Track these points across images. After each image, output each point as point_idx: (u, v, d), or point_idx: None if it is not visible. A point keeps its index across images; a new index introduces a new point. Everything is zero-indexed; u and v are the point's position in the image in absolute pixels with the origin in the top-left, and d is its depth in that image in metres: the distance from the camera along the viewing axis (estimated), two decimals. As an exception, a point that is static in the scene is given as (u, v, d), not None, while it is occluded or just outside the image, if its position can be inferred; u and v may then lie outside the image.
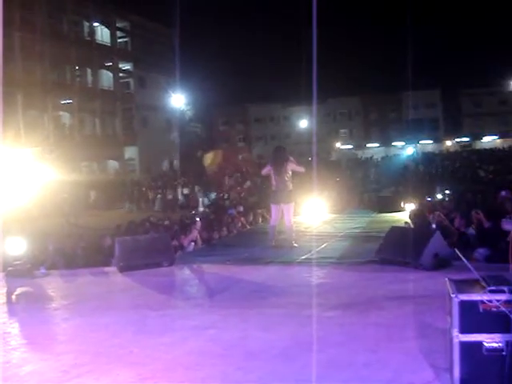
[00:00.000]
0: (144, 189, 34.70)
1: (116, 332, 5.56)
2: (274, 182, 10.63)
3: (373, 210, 19.04)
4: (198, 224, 12.88)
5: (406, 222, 13.73)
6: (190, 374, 4.38)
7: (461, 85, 67.17)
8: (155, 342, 5.18)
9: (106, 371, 4.49)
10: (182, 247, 11.66)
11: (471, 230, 10.09)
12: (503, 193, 15.04)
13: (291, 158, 10.73)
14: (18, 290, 8.02)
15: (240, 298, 6.86)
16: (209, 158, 48.24)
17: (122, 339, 5.32)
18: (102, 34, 46.88)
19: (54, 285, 8.38)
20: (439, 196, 18.70)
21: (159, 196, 32.97)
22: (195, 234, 12.38)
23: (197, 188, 33.85)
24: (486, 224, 10.31)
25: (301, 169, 10.85)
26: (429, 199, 17.59)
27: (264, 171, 11.05)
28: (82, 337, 5.52)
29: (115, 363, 4.65)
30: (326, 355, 4.57)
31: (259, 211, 17.68)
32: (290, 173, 10.59)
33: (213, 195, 31.25)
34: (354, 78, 71.85)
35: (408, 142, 63.64)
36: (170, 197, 32.27)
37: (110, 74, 47.49)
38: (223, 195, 30.65)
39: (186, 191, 33.27)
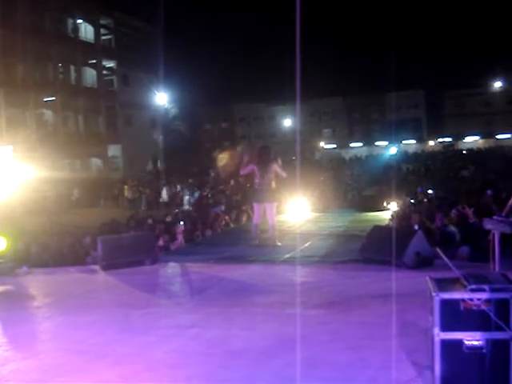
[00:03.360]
0: (127, 187, 34.53)
1: (99, 331, 5.54)
2: (257, 181, 10.63)
3: (356, 209, 19.13)
4: (181, 228, 12.86)
5: (390, 220, 13.81)
6: (173, 372, 4.38)
7: (444, 86, 67.73)
8: (138, 340, 5.18)
9: (89, 370, 4.48)
10: (165, 248, 11.63)
11: (451, 228, 10.18)
12: (489, 192, 15.21)
13: (279, 161, 10.73)
14: (0, 289, 7.96)
15: (223, 296, 6.86)
16: (224, 159, 48.10)
17: (105, 338, 5.30)
18: (86, 31, 46.53)
19: (36, 283, 8.34)
20: (421, 196, 18.82)
21: (143, 194, 32.85)
22: (180, 238, 12.39)
23: (180, 186, 33.77)
24: (472, 219, 10.42)
25: (283, 174, 10.79)
26: (412, 201, 17.69)
27: (244, 171, 11.00)
28: (64, 335, 5.50)
29: (98, 362, 4.64)
30: (309, 353, 4.59)
31: (244, 208, 17.68)
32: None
33: (197, 193, 31.19)
34: (338, 78, 71.83)
35: (391, 141, 63.98)
36: (153, 195, 32.15)
37: (94, 72, 47.17)
38: (207, 193, 30.61)
39: (169, 189, 33.15)
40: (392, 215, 14.38)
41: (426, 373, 4.00)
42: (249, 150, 11.12)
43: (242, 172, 11.14)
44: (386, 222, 13.98)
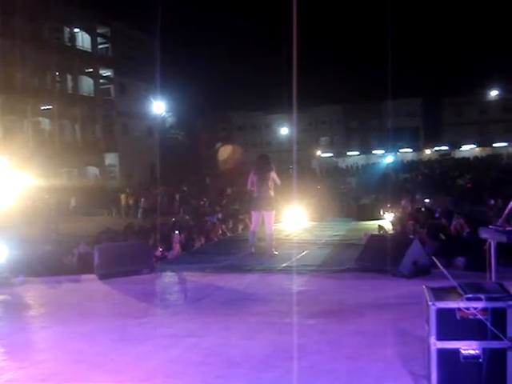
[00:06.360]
0: (124, 195, 34.53)
1: (96, 340, 5.53)
2: (255, 189, 10.67)
3: (353, 217, 19.13)
4: (177, 237, 12.86)
5: (379, 226, 13.81)
6: (170, 382, 4.37)
7: (442, 94, 67.99)
8: (135, 349, 5.17)
9: (86, 379, 4.47)
10: (162, 257, 11.62)
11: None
12: (492, 201, 15.31)
13: (273, 168, 10.78)
14: (-4, 298, 7.94)
15: (220, 305, 6.85)
16: (226, 152, 47.97)
17: (102, 347, 5.29)
18: (83, 39, 46.67)
19: (32, 292, 8.31)
20: (417, 204, 18.86)
21: (140, 203, 32.82)
22: (177, 248, 12.39)
23: (177, 195, 33.80)
24: (467, 230, 10.46)
25: (278, 181, 10.83)
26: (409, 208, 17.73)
27: (249, 183, 10.95)
28: (61, 345, 5.48)
29: (95, 371, 4.62)
30: (306, 363, 4.59)
31: (241, 217, 17.69)
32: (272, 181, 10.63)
33: (194, 202, 31.24)
34: (336, 86, 72.14)
35: (388, 150, 64.11)
36: (150, 204, 32.11)
37: (91, 80, 47.27)
38: (204, 202, 30.64)
39: (166, 198, 33.16)
40: (380, 226, 14.29)
41: (422, 382, 4.00)
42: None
43: (249, 185, 11.02)
44: (377, 226, 13.98)
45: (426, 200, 19.65)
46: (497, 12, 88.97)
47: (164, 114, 54.92)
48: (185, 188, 37.25)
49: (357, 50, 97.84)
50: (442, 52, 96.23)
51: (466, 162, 53.72)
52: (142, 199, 32.52)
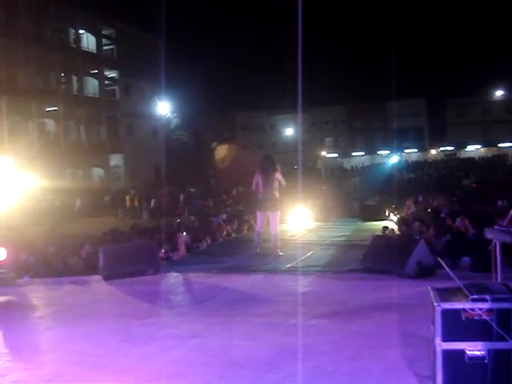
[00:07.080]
0: (129, 196, 34.54)
1: (100, 341, 5.53)
2: (260, 190, 10.66)
3: (358, 218, 19.10)
4: (183, 238, 12.87)
5: (384, 227, 13.76)
6: (173, 383, 4.37)
7: (445, 94, 67.81)
8: (139, 351, 5.16)
9: (90, 380, 4.47)
10: (167, 258, 11.62)
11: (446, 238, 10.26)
12: (499, 202, 15.28)
13: (278, 169, 10.77)
14: (1, 299, 7.95)
15: (224, 306, 6.85)
16: (222, 151, 47.82)
17: (106, 348, 5.29)
18: (88, 41, 46.73)
19: (37, 293, 8.32)
20: (422, 205, 18.83)
21: (145, 204, 32.84)
22: (183, 248, 12.40)
23: (182, 196, 33.81)
24: (472, 231, 10.43)
25: (283, 182, 10.82)
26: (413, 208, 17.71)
27: (254, 184, 10.93)
28: (65, 346, 5.49)
29: (98, 372, 4.62)
30: (310, 364, 4.57)
31: (246, 217, 17.69)
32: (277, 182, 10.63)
33: (199, 203, 31.27)
34: (340, 87, 72.00)
35: (393, 150, 64.00)
36: (155, 205, 32.11)
37: (96, 82, 47.31)
38: (209, 203, 30.67)
39: (171, 199, 33.16)
40: (385, 226, 14.23)
41: (427, 383, 3.98)
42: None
43: (254, 186, 11.01)
44: (382, 227, 13.90)
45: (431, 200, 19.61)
46: (500, 12, 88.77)
47: (169, 114, 54.95)
48: (192, 189, 37.25)
49: (360, 50, 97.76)
50: (446, 52, 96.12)
51: (471, 162, 53.64)
52: (153, 200, 32.45)
